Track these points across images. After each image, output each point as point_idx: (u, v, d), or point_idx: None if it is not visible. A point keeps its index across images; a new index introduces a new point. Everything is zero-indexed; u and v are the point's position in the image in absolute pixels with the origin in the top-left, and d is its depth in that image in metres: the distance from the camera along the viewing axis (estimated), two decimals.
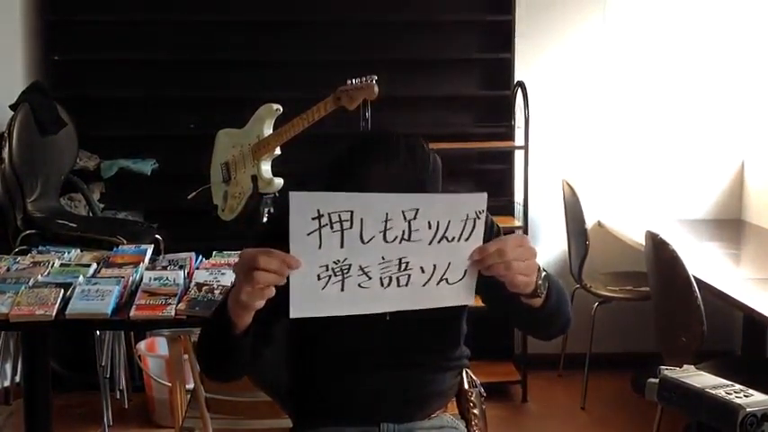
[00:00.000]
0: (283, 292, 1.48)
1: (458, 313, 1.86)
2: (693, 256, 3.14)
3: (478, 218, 1.49)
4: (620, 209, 4.30)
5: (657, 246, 3.07)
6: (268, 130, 3.48)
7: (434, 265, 1.51)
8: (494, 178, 4.32)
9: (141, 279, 2.51)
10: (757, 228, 4.13)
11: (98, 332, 3.59)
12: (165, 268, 2.58)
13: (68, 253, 2.78)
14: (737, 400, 1.24)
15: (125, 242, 3.35)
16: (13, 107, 3.74)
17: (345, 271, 1.47)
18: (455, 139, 4.17)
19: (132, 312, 2.35)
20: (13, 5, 4.09)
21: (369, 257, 1.47)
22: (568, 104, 4.30)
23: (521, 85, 4.04)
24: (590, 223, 3.98)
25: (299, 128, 3.35)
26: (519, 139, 4.13)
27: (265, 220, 3.37)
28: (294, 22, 4.23)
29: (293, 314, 1.48)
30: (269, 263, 1.43)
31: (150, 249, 2.76)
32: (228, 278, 2.51)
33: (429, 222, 1.48)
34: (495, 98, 4.28)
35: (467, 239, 1.50)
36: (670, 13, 4.26)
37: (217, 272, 2.54)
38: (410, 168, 1.68)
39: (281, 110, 3.49)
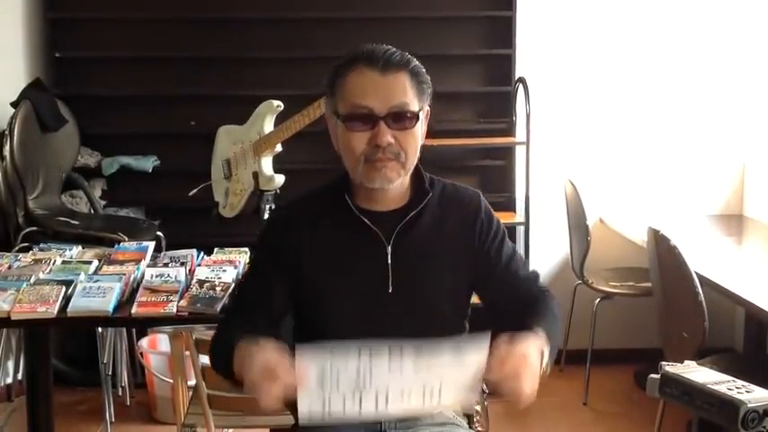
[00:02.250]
0: (282, 266, 1.59)
1: (459, 311, 1.86)
2: (695, 252, 3.14)
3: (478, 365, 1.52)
4: (622, 205, 4.29)
5: (659, 242, 3.06)
6: (269, 127, 3.48)
7: (438, 390, 1.53)
8: (495, 174, 4.31)
9: (143, 276, 2.52)
10: (759, 223, 4.13)
11: (100, 329, 3.59)
12: (166, 265, 2.59)
13: (70, 250, 2.79)
14: (739, 396, 1.25)
15: (126, 239, 3.35)
16: (14, 104, 3.75)
17: (353, 393, 1.53)
18: (456, 135, 4.17)
19: (134, 309, 2.35)
20: (15, 3, 4.08)
21: (375, 387, 1.53)
22: (570, 100, 4.30)
23: (522, 81, 4.03)
24: (591, 219, 3.97)
25: (301, 125, 3.34)
26: (520, 135, 4.12)
27: (266, 216, 3.36)
28: (296, 18, 4.23)
29: (302, 423, 1.55)
30: (275, 389, 1.49)
31: (151, 246, 2.76)
32: (230, 275, 2.52)
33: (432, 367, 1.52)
34: (497, 94, 4.27)
35: (469, 369, 1.53)
36: (672, 11, 4.25)
37: (218, 269, 2.54)
38: (400, 64, 1.72)
39: (282, 106, 3.49)
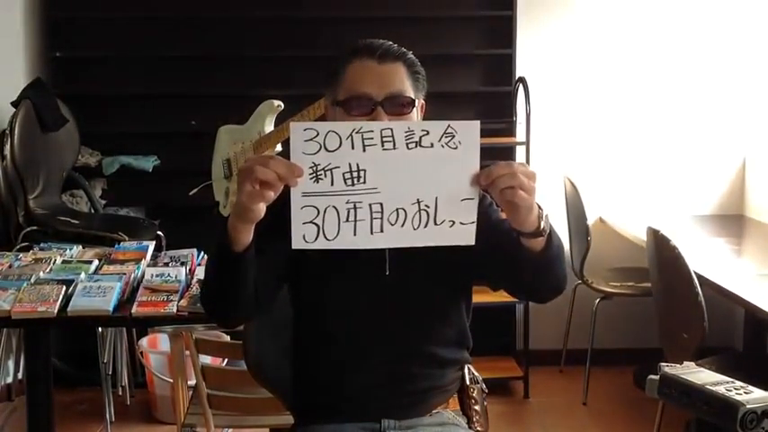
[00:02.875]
0: (285, 232, 1.53)
1: (460, 298, 1.86)
2: (695, 252, 3.14)
3: (472, 145, 1.54)
4: (622, 205, 4.30)
5: (659, 242, 3.06)
6: (269, 127, 3.48)
7: (436, 198, 1.53)
8: None
9: (143, 276, 2.52)
10: (759, 223, 4.13)
11: (100, 329, 3.59)
12: (166, 265, 2.59)
13: (70, 250, 2.79)
14: (738, 397, 1.24)
15: (127, 239, 3.36)
16: (14, 104, 3.75)
17: (345, 201, 1.52)
18: None
19: (134, 309, 2.35)
20: (15, 3, 4.09)
21: (368, 189, 1.53)
22: (570, 100, 4.30)
23: (522, 80, 4.04)
24: (591, 219, 3.97)
25: None
26: (520, 135, 4.13)
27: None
28: (296, 18, 4.23)
29: (295, 245, 1.53)
30: (273, 163, 1.50)
31: (152, 246, 2.77)
32: None
33: (424, 149, 1.52)
34: (497, 94, 4.27)
35: (462, 167, 1.53)
36: (673, 9, 4.26)
37: None
38: (397, 54, 1.77)
39: (282, 106, 3.49)
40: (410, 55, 1.81)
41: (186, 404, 2.72)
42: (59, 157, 3.91)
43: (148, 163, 4.12)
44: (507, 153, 4.27)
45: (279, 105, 3.48)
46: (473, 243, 1.57)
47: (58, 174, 3.90)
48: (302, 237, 1.53)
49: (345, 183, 1.52)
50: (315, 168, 1.52)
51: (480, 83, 4.34)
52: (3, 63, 3.96)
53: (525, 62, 4.21)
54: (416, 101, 1.78)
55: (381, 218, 1.54)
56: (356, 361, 1.80)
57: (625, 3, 4.26)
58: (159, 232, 3.82)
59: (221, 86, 4.25)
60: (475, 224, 1.55)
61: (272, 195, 1.50)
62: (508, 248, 1.65)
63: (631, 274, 4.03)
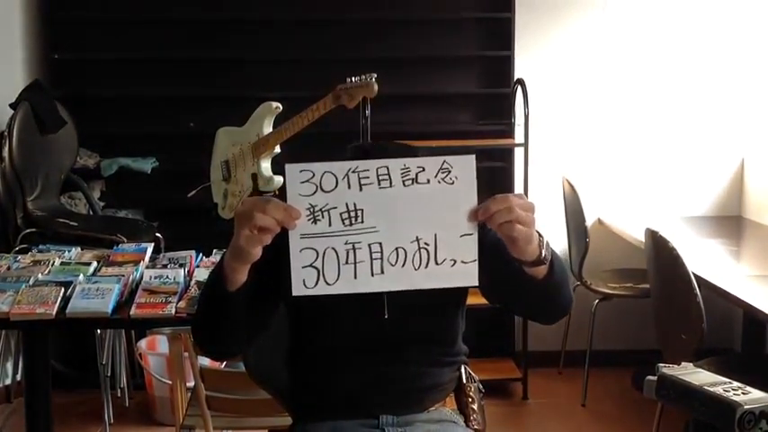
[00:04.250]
0: (281, 275, 1.52)
1: (456, 309, 1.86)
2: (693, 253, 3.14)
3: (469, 180, 1.53)
4: (621, 206, 4.30)
5: (657, 243, 3.07)
6: (268, 129, 3.48)
7: (435, 234, 1.52)
8: (494, 176, 4.31)
9: (141, 277, 2.52)
10: (757, 225, 4.13)
11: (99, 330, 3.59)
12: (165, 267, 2.59)
13: (69, 252, 2.79)
14: (735, 398, 1.25)
15: (125, 240, 3.35)
16: (13, 106, 3.75)
17: (344, 242, 1.51)
18: (455, 136, 4.17)
19: (133, 311, 2.35)
20: (13, 4, 4.09)
21: (367, 228, 1.52)
22: (568, 102, 4.30)
23: (521, 82, 4.04)
24: (590, 221, 3.98)
25: (299, 126, 3.35)
26: (519, 137, 4.13)
27: None
28: (294, 20, 4.23)
29: (295, 291, 1.51)
30: (270, 208, 1.48)
31: (150, 248, 2.77)
32: None
33: (421, 185, 1.52)
34: (495, 96, 4.28)
35: (460, 202, 1.53)
36: (670, 11, 4.26)
37: None
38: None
39: (281, 108, 3.49)
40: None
41: (185, 406, 2.72)
42: (58, 158, 3.91)
43: (147, 165, 4.12)
44: (506, 155, 4.27)
45: (277, 107, 3.48)
46: (476, 284, 1.56)
47: (57, 175, 3.90)
48: (302, 282, 1.51)
49: (344, 223, 1.52)
50: (312, 210, 1.51)
51: (479, 84, 4.34)
52: (1, 64, 3.96)
53: (524, 64, 4.21)
54: None
55: (381, 258, 1.52)
56: (353, 363, 1.80)
57: (624, 5, 4.27)
58: (158, 234, 3.82)
59: (220, 88, 4.25)
60: (476, 263, 1.54)
61: (269, 239, 1.49)
62: (508, 273, 1.64)
63: (630, 275, 4.03)
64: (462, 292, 1.84)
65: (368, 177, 1.51)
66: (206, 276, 2.47)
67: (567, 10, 4.26)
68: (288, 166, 1.51)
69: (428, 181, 1.52)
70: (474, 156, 1.54)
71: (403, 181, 1.52)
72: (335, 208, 1.51)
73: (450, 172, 1.52)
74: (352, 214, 1.52)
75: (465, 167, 1.53)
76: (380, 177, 1.51)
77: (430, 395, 1.87)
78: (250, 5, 4.20)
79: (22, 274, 2.50)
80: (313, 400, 1.86)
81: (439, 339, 1.86)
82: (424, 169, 1.52)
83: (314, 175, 1.51)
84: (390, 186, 1.52)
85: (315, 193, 1.51)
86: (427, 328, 1.82)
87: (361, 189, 1.51)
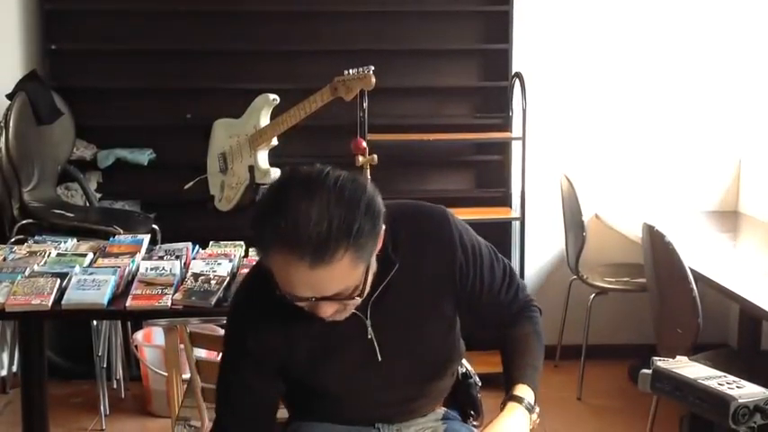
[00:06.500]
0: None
1: (450, 337, 1.80)
2: (690, 247, 3.14)
3: None
4: (618, 201, 4.30)
5: (654, 237, 3.07)
6: (265, 121, 3.48)
7: None
8: (491, 169, 4.31)
9: (138, 269, 2.51)
10: (754, 220, 4.13)
11: (95, 322, 3.59)
12: (161, 258, 2.58)
13: (65, 243, 2.78)
14: (730, 392, 1.24)
15: (122, 232, 3.35)
16: (9, 96, 3.74)
17: None
18: (452, 129, 4.17)
19: (128, 302, 2.35)
20: None
21: None
22: (566, 96, 4.29)
23: (518, 75, 4.03)
24: (587, 215, 3.97)
25: (296, 118, 3.35)
26: (516, 131, 4.12)
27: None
28: (291, 12, 4.22)
29: None
30: None
31: (147, 239, 2.76)
32: (225, 268, 2.52)
33: None
34: (493, 89, 4.27)
35: None
36: (669, 7, 4.25)
37: (213, 262, 2.54)
38: (335, 206, 1.42)
39: (278, 100, 3.49)
40: (351, 236, 1.42)
41: (181, 397, 2.72)
42: (54, 149, 3.90)
43: (144, 156, 4.11)
44: (503, 148, 4.27)
45: (275, 99, 3.48)
46: None
47: (53, 167, 3.90)
48: None
49: None
50: None
51: (477, 78, 4.33)
52: None
53: (522, 57, 4.20)
54: (367, 269, 1.52)
55: None
56: (350, 401, 1.76)
57: None
58: (154, 226, 3.82)
59: (217, 80, 4.23)
60: None
61: None
62: (487, 314, 1.77)
63: (626, 269, 4.03)
64: (450, 318, 1.76)
65: None
66: (202, 268, 2.49)
67: (565, 3, 4.25)
68: None
69: None
70: None
71: None
72: None
73: None
74: None
75: None
76: None
77: (428, 405, 1.85)
78: None
79: (17, 265, 2.50)
80: (308, 409, 1.83)
81: (435, 371, 1.81)
82: None
83: None
84: None
85: None
86: (421, 363, 1.75)
87: None
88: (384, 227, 1.53)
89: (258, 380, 1.67)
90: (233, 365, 1.70)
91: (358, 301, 1.55)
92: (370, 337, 1.67)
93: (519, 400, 1.65)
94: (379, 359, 1.68)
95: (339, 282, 1.47)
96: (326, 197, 1.42)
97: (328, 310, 1.52)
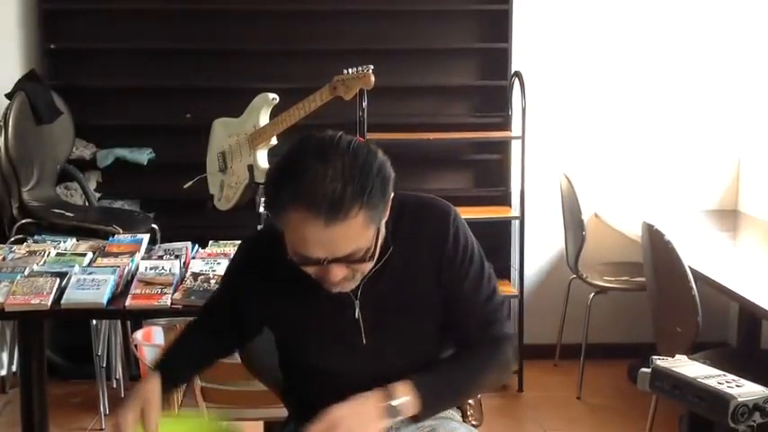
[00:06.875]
0: (261, 306, 1.71)
1: (435, 330, 1.77)
2: (689, 246, 3.14)
3: None
4: (617, 200, 4.30)
5: (653, 236, 3.07)
6: (264, 120, 3.48)
7: None
8: (490, 168, 4.31)
9: (137, 268, 2.51)
10: (754, 219, 4.14)
11: (94, 321, 3.59)
12: (160, 258, 2.58)
13: (64, 242, 2.78)
14: (729, 390, 1.24)
15: (121, 231, 3.35)
16: (8, 96, 3.74)
17: None
18: (452, 128, 4.17)
19: (128, 302, 2.35)
20: None
21: None
22: (566, 95, 4.29)
23: (518, 74, 4.03)
24: (587, 214, 3.98)
25: (296, 117, 3.34)
26: (516, 130, 4.12)
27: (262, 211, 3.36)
28: (292, 11, 4.21)
29: None
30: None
31: (146, 239, 2.76)
32: (224, 268, 2.51)
33: None
34: (493, 88, 4.27)
35: None
36: (669, 6, 4.25)
37: (213, 261, 2.54)
38: (350, 167, 1.47)
39: (278, 99, 3.48)
40: (365, 195, 1.47)
41: (180, 397, 2.72)
42: (54, 149, 3.90)
43: (143, 156, 4.11)
44: (503, 147, 4.27)
45: (274, 98, 3.48)
46: None
47: (53, 166, 3.90)
48: None
49: None
50: None
51: (476, 77, 4.33)
52: None
53: (521, 56, 4.20)
54: (377, 233, 1.56)
55: None
56: (338, 387, 1.71)
57: None
58: (154, 225, 3.82)
59: (217, 79, 4.23)
60: None
61: None
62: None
63: (626, 268, 4.03)
64: (438, 313, 1.73)
65: None
66: (202, 267, 2.50)
67: (564, 2, 4.25)
68: None
69: None
70: None
71: None
72: None
73: None
74: None
75: None
76: None
77: None
78: None
79: (17, 265, 2.50)
80: (304, 406, 1.83)
81: (421, 359, 1.75)
82: None
83: None
84: None
85: None
86: (407, 351, 1.73)
87: None
88: (390, 204, 1.57)
89: (237, 307, 1.80)
90: (223, 287, 1.91)
91: (368, 266, 1.58)
92: (357, 317, 1.67)
93: (390, 396, 1.56)
94: (364, 341, 1.69)
95: (352, 241, 1.50)
96: (341, 159, 1.48)
97: (339, 274, 1.55)
